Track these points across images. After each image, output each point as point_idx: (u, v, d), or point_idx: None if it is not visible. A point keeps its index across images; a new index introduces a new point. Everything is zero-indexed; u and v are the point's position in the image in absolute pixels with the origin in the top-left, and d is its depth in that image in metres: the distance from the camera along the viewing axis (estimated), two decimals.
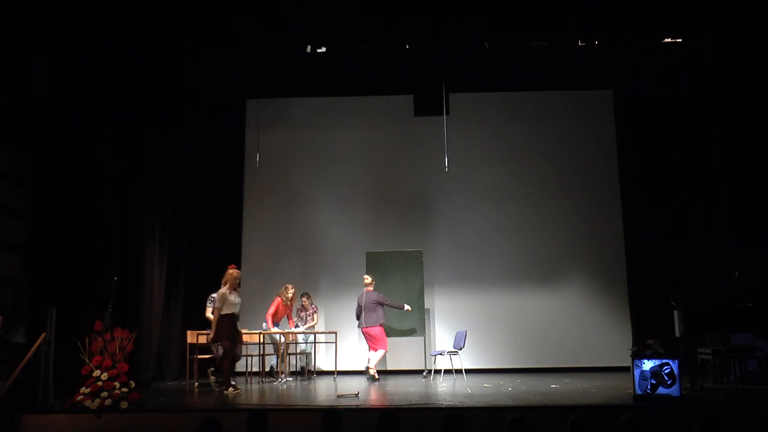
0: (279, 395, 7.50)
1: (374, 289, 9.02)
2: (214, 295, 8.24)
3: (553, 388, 7.65)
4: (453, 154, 9.88)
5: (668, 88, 9.81)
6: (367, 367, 8.90)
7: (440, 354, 8.99)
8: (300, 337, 9.45)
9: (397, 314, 9.32)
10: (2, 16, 7.20)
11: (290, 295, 9.16)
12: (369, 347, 8.98)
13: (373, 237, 10.34)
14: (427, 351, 9.70)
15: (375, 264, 9.70)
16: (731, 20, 8.48)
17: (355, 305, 9.09)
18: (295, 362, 9.63)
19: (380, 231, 10.40)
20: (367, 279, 9.07)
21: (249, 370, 8.72)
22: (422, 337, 9.70)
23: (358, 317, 8.99)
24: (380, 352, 8.88)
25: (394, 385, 8.37)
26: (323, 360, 9.83)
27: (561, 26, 8.81)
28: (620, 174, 10.35)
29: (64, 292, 7.58)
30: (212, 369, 8.28)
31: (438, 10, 8.39)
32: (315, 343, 9.53)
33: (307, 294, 9.68)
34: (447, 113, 10.05)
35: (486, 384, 8.18)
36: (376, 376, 8.77)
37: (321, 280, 10.29)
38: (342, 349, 9.62)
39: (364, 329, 8.89)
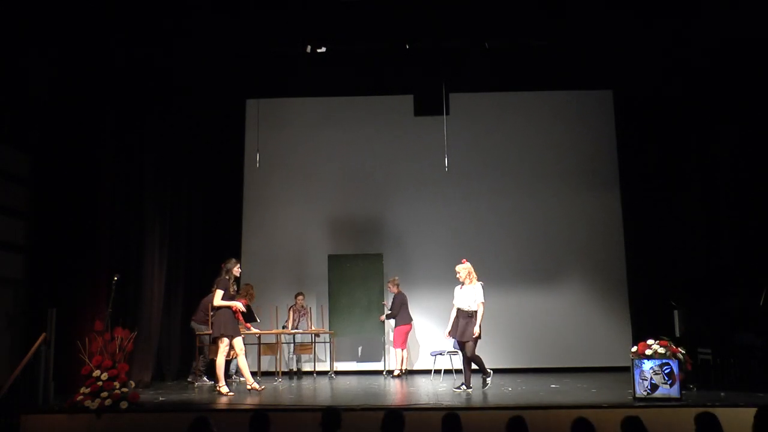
0: (279, 395, 7.50)
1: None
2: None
3: (553, 388, 7.65)
4: (453, 153, 9.86)
5: (668, 88, 9.80)
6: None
7: (440, 354, 8.98)
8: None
9: (358, 315, 9.75)
10: (2, 15, 7.19)
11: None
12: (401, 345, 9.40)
13: (369, 236, 10.36)
14: (386, 351, 9.90)
15: (336, 266, 9.98)
16: (731, 18, 8.47)
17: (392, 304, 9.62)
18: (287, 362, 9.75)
19: (379, 231, 10.40)
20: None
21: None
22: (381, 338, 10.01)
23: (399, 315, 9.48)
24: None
25: (384, 385, 8.38)
26: (320, 360, 9.83)
27: (560, 26, 8.79)
28: (620, 174, 10.35)
29: (64, 292, 7.56)
30: None
31: (438, 10, 8.38)
32: (315, 343, 9.57)
33: (302, 293, 9.74)
34: (447, 113, 10.04)
35: None
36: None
37: (322, 280, 10.27)
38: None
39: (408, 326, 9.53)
